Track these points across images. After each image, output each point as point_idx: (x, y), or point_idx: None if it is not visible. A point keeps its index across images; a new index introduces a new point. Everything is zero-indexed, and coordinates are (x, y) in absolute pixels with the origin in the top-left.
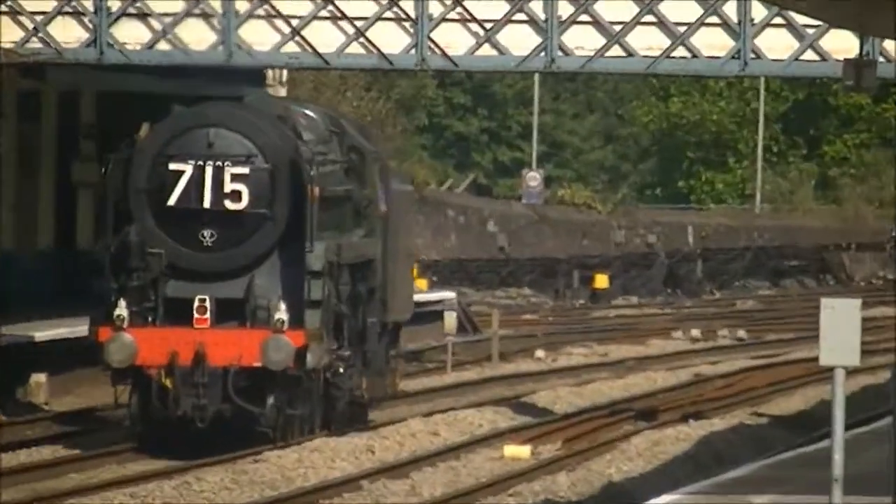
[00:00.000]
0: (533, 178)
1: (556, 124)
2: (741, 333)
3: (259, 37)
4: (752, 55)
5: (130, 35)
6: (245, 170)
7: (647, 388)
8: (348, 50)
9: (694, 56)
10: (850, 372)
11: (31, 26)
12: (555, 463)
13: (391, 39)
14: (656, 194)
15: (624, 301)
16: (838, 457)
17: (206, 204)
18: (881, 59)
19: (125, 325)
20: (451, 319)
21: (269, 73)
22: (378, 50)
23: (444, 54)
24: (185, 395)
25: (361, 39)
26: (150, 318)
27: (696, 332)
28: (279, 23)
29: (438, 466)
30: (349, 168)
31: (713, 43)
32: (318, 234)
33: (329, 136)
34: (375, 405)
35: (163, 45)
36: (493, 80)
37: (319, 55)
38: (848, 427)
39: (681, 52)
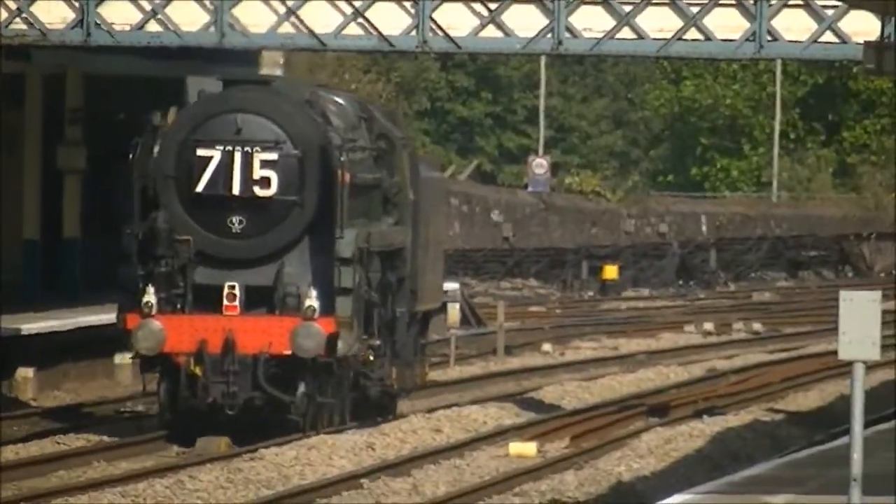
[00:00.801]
0: (539, 164)
1: (563, 108)
2: (757, 327)
3: (253, 17)
4: (769, 37)
5: (119, 15)
6: (274, 156)
7: (659, 384)
8: (346, 31)
9: (707, 38)
10: (870, 367)
11: (14, 7)
12: (562, 461)
13: (391, 20)
14: (668, 181)
15: (634, 293)
16: (857, 455)
17: (235, 190)
18: None
19: (153, 311)
20: (454, 312)
21: (266, 54)
22: (377, 31)
23: (447, 35)
24: (215, 382)
25: (360, 20)
26: (178, 306)
27: (709, 326)
28: (274, 2)
29: (441, 464)
30: (378, 155)
31: (727, 24)
32: (347, 221)
33: (358, 123)
34: (404, 396)
35: (153, 26)
36: (497, 63)
37: (316, 36)
38: (867, 424)
39: (694, 33)
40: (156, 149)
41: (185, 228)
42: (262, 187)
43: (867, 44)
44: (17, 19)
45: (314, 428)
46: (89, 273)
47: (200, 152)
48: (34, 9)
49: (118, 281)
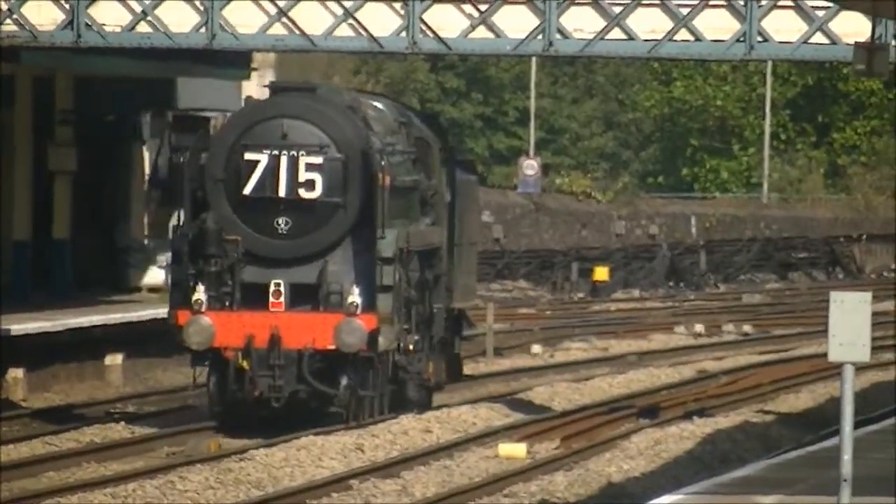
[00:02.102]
0: (530, 166)
1: (553, 109)
2: (747, 328)
3: (244, 18)
4: (759, 38)
5: (109, 16)
6: (319, 159)
7: (649, 385)
8: (337, 32)
9: (698, 39)
10: (860, 368)
11: (4, 7)
12: (552, 462)
13: (381, 21)
14: (658, 183)
15: (624, 294)
16: (847, 456)
17: (282, 193)
18: (894, 42)
19: (203, 308)
20: None
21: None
22: (367, 32)
23: (437, 36)
24: (262, 376)
25: (350, 21)
26: (227, 303)
27: (699, 327)
28: (265, 3)
29: (431, 465)
30: (416, 158)
31: (718, 25)
32: (388, 221)
33: (397, 128)
34: (439, 389)
35: (143, 27)
36: (487, 64)
37: (307, 37)
38: (857, 425)
39: (684, 34)
40: (205, 153)
41: (233, 229)
42: (307, 190)
43: (857, 45)
44: (8, 20)
45: (356, 419)
46: (79, 274)
47: (248, 156)
48: (24, 10)
49: (170, 279)
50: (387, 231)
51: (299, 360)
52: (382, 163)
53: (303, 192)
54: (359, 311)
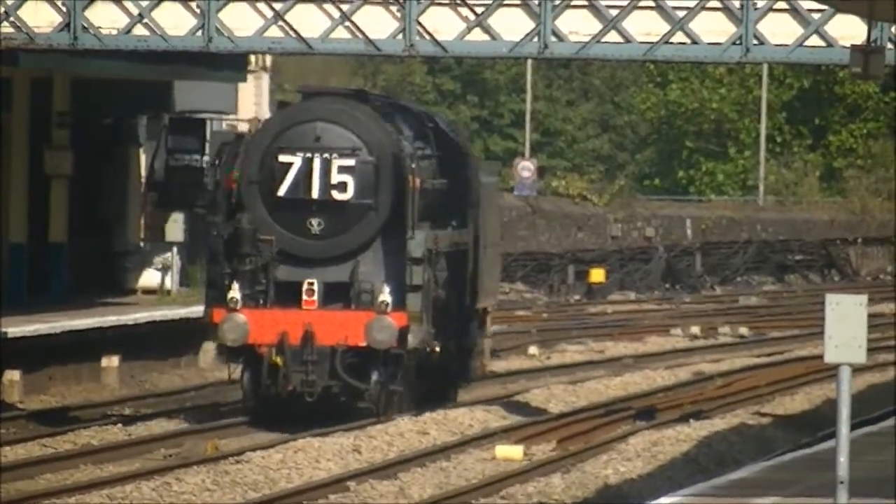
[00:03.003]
0: (526, 168)
1: (549, 112)
2: (743, 330)
3: (240, 21)
4: (755, 41)
5: (105, 19)
6: (351, 162)
7: (646, 387)
8: (333, 35)
9: (694, 42)
10: (857, 370)
11: (1, 10)
12: (549, 464)
13: (378, 23)
14: (654, 185)
15: (621, 296)
16: (843, 458)
17: (315, 194)
18: (890, 45)
19: (238, 306)
20: None
21: (252, 58)
22: (364, 35)
23: (433, 39)
24: (295, 372)
25: (347, 24)
26: (261, 301)
27: (695, 329)
28: (261, 6)
29: (427, 467)
30: (444, 162)
31: (714, 28)
32: (417, 223)
33: (426, 132)
34: (465, 385)
35: (139, 30)
36: (483, 66)
37: (303, 40)
38: (854, 427)
39: (680, 37)
40: (240, 156)
41: (267, 229)
42: (339, 191)
43: (853, 47)
44: (5, 23)
45: (385, 413)
46: (76, 277)
47: (282, 159)
48: (21, 12)
49: (206, 278)
50: (416, 232)
51: (332, 357)
52: (412, 166)
53: (335, 194)
54: (389, 310)
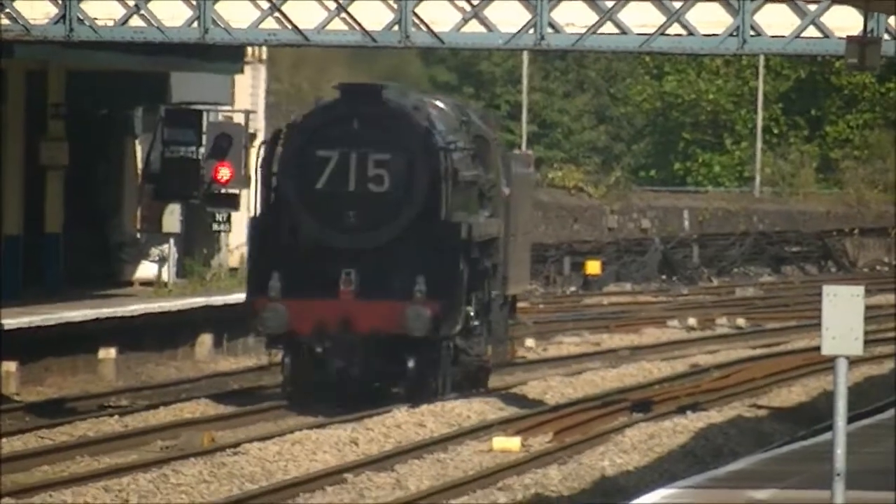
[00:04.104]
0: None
1: (545, 103)
2: (740, 322)
3: (236, 12)
4: (752, 32)
5: (101, 10)
6: (386, 156)
7: (642, 379)
8: (329, 26)
9: (690, 33)
10: (853, 362)
11: None
12: (546, 456)
13: (374, 15)
14: (651, 176)
15: (617, 288)
16: (840, 450)
17: (351, 187)
18: (886, 36)
19: (278, 296)
20: None
21: (248, 49)
22: (360, 26)
23: (430, 31)
24: (333, 359)
25: (343, 15)
26: (300, 290)
27: (692, 321)
28: None
29: (425, 459)
30: (475, 154)
31: (710, 19)
32: (451, 214)
33: (458, 126)
34: (496, 370)
35: (135, 22)
36: (479, 58)
37: (299, 31)
38: (851, 419)
39: (676, 29)
40: (279, 150)
41: (306, 221)
42: (375, 184)
43: (850, 39)
44: (0, 14)
45: (420, 399)
46: (72, 268)
47: (320, 153)
48: (17, 4)
49: (247, 268)
50: (449, 223)
51: (368, 344)
52: (445, 159)
53: (371, 187)
54: (423, 298)
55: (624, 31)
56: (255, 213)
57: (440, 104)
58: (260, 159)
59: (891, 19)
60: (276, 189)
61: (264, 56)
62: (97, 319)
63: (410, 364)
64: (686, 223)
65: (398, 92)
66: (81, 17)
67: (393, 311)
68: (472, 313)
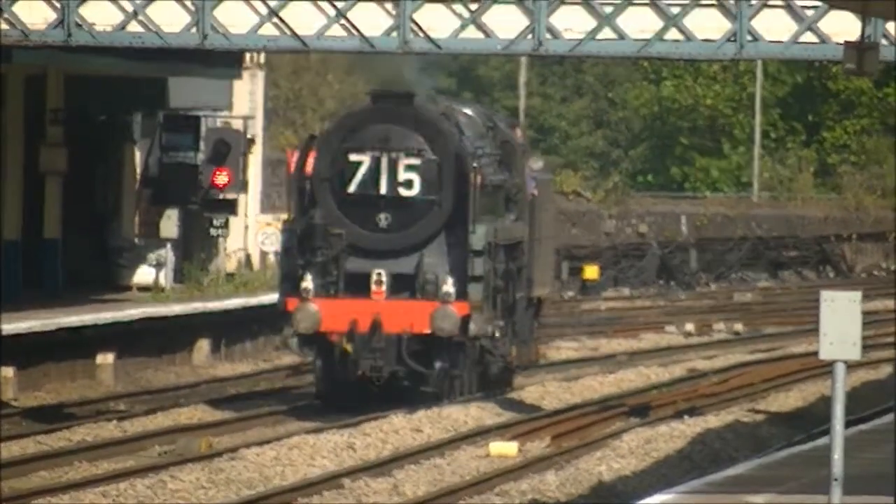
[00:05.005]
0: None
1: (543, 108)
2: (738, 327)
3: (235, 18)
4: (749, 37)
5: (100, 16)
6: (417, 161)
7: (640, 384)
8: (328, 32)
9: (688, 39)
10: (851, 367)
11: None
12: (543, 461)
13: (372, 21)
14: (648, 181)
15: (615, 293)
16: (838, 455)
17: (382, 191)
18: (884, 41)
19: (311, 296)
20: None
21: (247, 54)
22: (359, 32)
23: (428, 37)
24: (364, 358)
25: (342, 21)
26: (332, 291)
27: (690, 326)
28: (256, 3)
29: (422, 464)
30: (502, 159)
31: (708, 25)
32: (478, 217)
33: (486, 132)
34: (520, 371)
35: (134, 27)
36: (477, 63)
37: (298, 38)
38: (848, 424)
39: (674, 34)
40: (312, 154)
41: (338, 224)
42: (405, 188)
43: (847, 44)
44: None
45: (448, 397)
46: (71, 273)
47: (352, 157)
48: (15, 9)
49: (280, 269)
50: (477, 226)
51: (398, 344)
52: (473, 164)
53: (402, 191)
54: (452, 299)
55: (622, 36)
56: (289, 217)
57: (468, 111)
58: (293, 164)
59: (888, 25)
60: (309, 193)
61: (263, 61)
62: (95, 324)
63: (438, 364)
64: (684, 228)
65: (428, 98)
66: (80, 22)
67: (422, 312)
68: (498, 314)
